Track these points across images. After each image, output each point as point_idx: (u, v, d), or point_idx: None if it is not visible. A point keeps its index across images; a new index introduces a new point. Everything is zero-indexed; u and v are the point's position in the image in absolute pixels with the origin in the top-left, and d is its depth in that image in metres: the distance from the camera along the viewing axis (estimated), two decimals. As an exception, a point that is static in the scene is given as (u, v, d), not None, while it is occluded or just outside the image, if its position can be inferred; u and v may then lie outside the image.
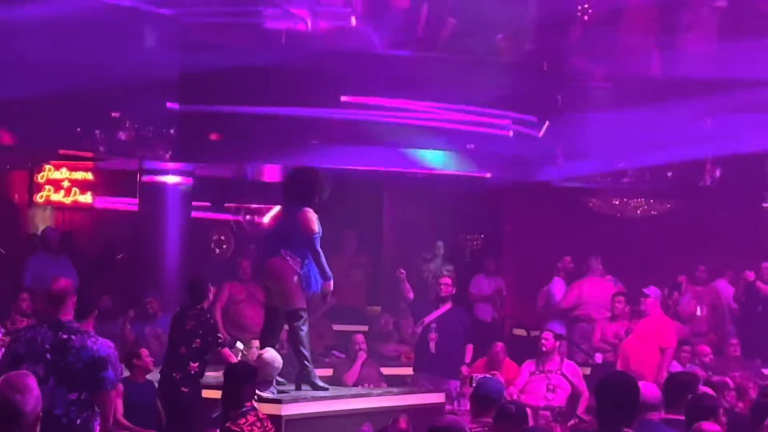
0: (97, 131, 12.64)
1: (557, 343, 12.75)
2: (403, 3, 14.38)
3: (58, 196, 15.80)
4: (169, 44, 12.86)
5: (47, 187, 15.77)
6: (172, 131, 13.33)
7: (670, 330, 12.88)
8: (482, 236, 17.93)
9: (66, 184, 15.81)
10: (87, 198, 15.94)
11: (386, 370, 13.06)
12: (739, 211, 15.97)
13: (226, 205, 16.85)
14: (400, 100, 13.84)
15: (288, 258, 10.04)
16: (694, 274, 15.24)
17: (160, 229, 13.86)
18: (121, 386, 9.13)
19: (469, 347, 12.77)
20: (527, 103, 14.69)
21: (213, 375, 10.05)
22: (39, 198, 15.79)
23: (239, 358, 10.02)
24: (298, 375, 10.28)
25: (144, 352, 10.40)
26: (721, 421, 7.28)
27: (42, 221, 15.70)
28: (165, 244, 13.82)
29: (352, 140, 13.77)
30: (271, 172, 15.45)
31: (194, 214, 14.53)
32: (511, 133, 14.52)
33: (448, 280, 13.03)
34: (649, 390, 6.61)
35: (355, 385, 12.03)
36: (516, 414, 7.05)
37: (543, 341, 12.48)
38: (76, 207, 15.97)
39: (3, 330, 11.05)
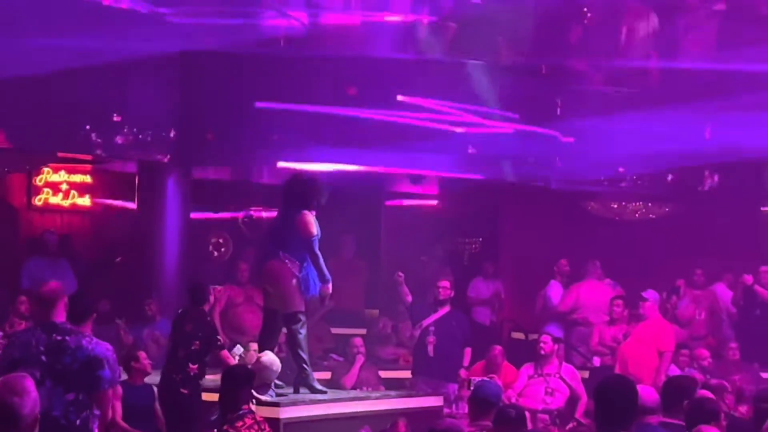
0: (95, 134, 12.64)
1: (556, 347, 12.76)
2: (404, 7, 14.41)
3: (56, 199, 15.77)
4: (168, 46, 12.85)
5: (45, 189, 15.74)
6: (170, 134, 13.33)
7: (669, 333, 12.87)
8: (480, 239, 17.93)
9: (64, 186, 15.78)
10: (85, 201, 15.92)
11: (384, 374, 13.07)
12: (737, 215, 15.98)
13: (225, 208, 16.85)
14: (399, 101, 13.85)
15: (286, 261, 10.05)
16: (692, 278, 15.24)
17: (159, 231, 13.85)
18: (120, 389, 9.13)
19: (468, 350, 12.77)
20: (525, 106, 14.69)
21: (211, 378, 10.05)
22: (37, 201, 15.76)
23: (237, 360, 10.02)
24: (297, 378, 10.28)
25: (142, 354, 10.39)
26: (722, 425, 7.27)
27: (40, 224, 15.69)
28: (164, 247, 13.81)
29: (351, 141, 13.78)
30: (270, 174, 15.46)
31: (193, 215, 14.51)
32: (509, 136, 14.52)
33: (447, 283, 13.02)
34: (648, 393, 6.60)
35: (354, 388, 12.03)
36: (515, 418, 7.05)
37: (541, 344, 12.49)
38: (75, 210, 15.95)
39: (1, 333, 11.06)
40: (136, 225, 14.50)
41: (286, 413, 9.61)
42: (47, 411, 6.09)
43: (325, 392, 10.39)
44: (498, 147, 14.52)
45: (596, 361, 13.86)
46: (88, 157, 14.45)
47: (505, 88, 14.21)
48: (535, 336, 13.52)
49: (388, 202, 17.44)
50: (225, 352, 10.00)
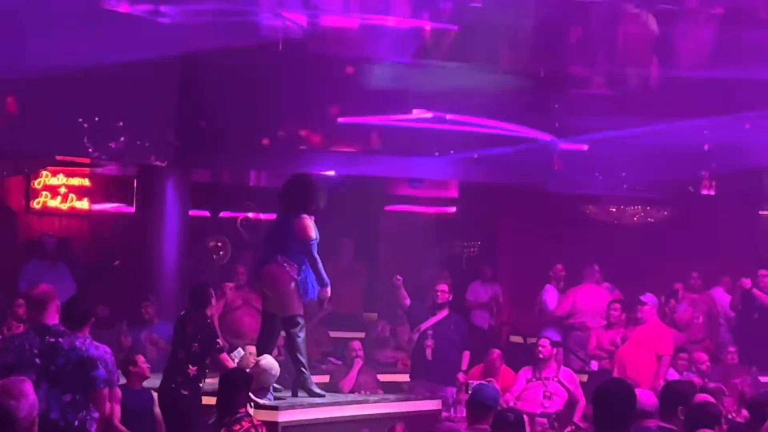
0: (94, 137, 12.64)
1: (554, 350, 12.77)
2: (404, 10, 14.42)
3: (54, 202, 15.77)
4: (168, 49, 12.85)
5: (44, 193, 15.74)
6: (169, 137, 13.33)
7: (667, 337, 12.86)
8: (479, 243, 17.93)
9: (63, 190, 15.78)
10: (84, 204, 15.92)
11: (383, 377, 13.07)
12: (736, 218, 15.97)
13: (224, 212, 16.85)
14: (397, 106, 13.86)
15: (285, 264, 10.05)
16: (689, 282, 15.23)
17: (157, 235, 13.85)
18: (119, 392, 9.12)
19: (466, 354, 12.77)
20: (524, 110, 14.69)
21: (209, 381, 10.05)
22: (36, 204, 15.76)
23: (236, 364, 10.02)
24: (295, 381, 10.28)
25: (140, 358, 10.38)
26: (723, 429, 7.26)
27: (38, 227, 15.68)
28: (162, 250, 13.81)
29: (350, 146, 13.79)
30: (269, 178, 15.46)
31: (192, 213, 14.50)
32: (508, 140, 14.53)
33: (445, 287, 13.03)
34: (646, 397, 6.59)
35: (352, 391, 12.03)
36: (514, 421, 7.04)
37: (540, 348, 12.49)
38: (73, 213, 15.95)
39: (0, 336, 11.05)
40: (135, 228, 14.50)
41: (285, 417, 9.61)
42: (45, 413, 6.10)
43: (324, 396, 10.39)
44: (496, 151, 14.52)
45: (594, 365, 13.86)
46: (87, 161, 14.45)
47: (503, 91, 14.20)
48: (533, 340, 13.52)
49: (388, 207, 17.45)
50: (224, 355, 10.01)
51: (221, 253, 16.52)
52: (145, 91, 12.86)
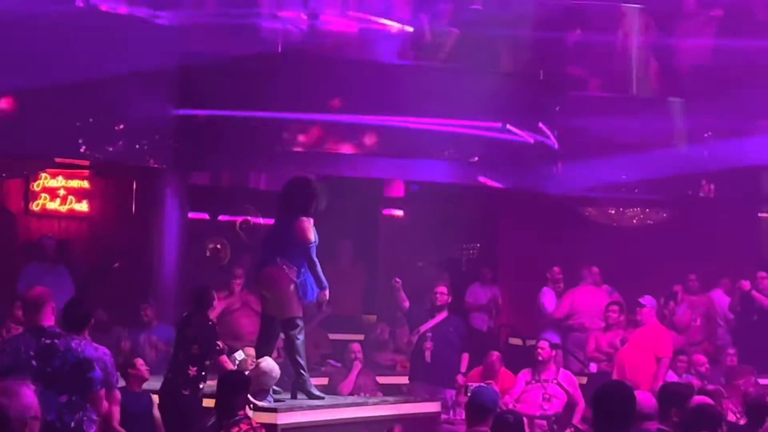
0: (93, 139, 12.63)
1: (553, 353, 12.77)
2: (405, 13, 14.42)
3: (54, 205, 15.76)
4: (166, 51, 12.85)
5: (43, 195, 15.73)
6: (168, 140, 13.33)
7: (667, 339, 12.86)
8: (478, 245, 17.92)
9: (62, 192, 15.77)
10: (83, 206, 15.91)
11: (382, 379, 13.05)
12: (735, 220, 15.98)
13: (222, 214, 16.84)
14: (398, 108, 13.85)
15: (284, 267, 10.05)
16: (687, 284, 15.23)
17: (157, 237, 13.84)
18: (118, 394, 9.12)
19: (465, 356, 12.77)
20: (524, 112, 14.70)
21: (209, 383, 10.05)
22: (35, 206, 15.75)
23: (236, 366, 10.03)
24: (294, 384, 10.28)
25: (139, 361, 10.40)
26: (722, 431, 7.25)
27: (38, 229, 15.68)
28: (161, 252, 13.80)
29: (349, 148, 13.79)
30: (268, 181, 15.45)
31: (191, 215, 14.51)
32: (507, 142, 14.53)
33: (444, 289, 13.02)
34: (646, 399, 6.58)
35: (351, 394, 12.02)
36: (513, 423, 7.04)
37: (539, 350, 12.49)
38: (72, 215, 15.94)
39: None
40: (134, 231, 14.48)
41: (284, 419, 9.61)
42: (42, 415, 6.09)
43: (323, 398, 10.39)
44: (496, 153, 14.52)
45: (593, 368, 13.85)
46: (86, 163, 14.44)
47: (502, 94, 14.21)
48: (532, 342, 13.52)
49: (386, 210, 17.45)
50: (224, 357, 10.02)
51: (220, 255, 16.52)
52: (144, 94, 12.85)
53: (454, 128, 14.05)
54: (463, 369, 12.66)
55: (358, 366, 12.45)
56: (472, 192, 15.39)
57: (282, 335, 10.38)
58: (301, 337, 10.15)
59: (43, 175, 15.61)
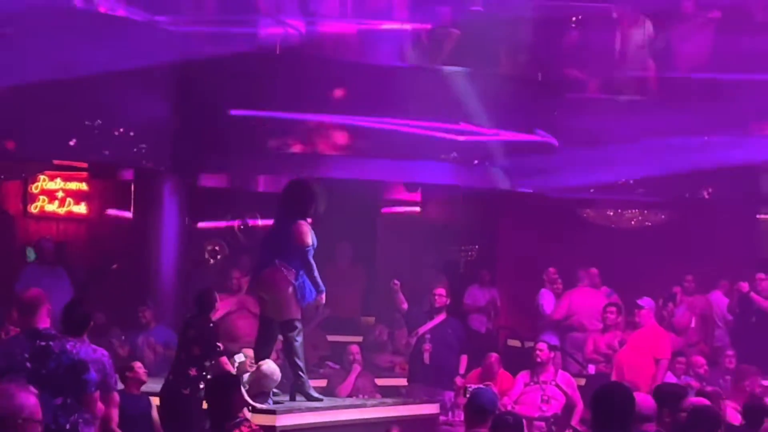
0: (92, 141, 12.63)
1: (552, 354, 12.77)
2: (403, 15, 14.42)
3: (52, 207, 15.78)
4: (165, 54, 12.85)
5: (41, 197, 15.75)
6: (167, 142, 13.32)
7: (665, 341, 12.87)
8: (477, 247, 17.92)
9: (60, 194, 15.79)
10: (81, 209, 15.92)
11: (380, 381, 13.05)
12: (733, 222, 15.98)
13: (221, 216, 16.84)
14: (395, 110, 13.84)
15: (283, 269, 10.05)
16: (684, 285, 15.23)
17: (155, 239, 13.84)
18: (117, 396, 9.11)
19: (464, 358, 12.77)
20: (522, 114, 14.70)
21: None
22: (33, 208, 15.76)
23: (236, 368, 10.04)
24: (293, 385, 10.28)
25: (136, 364, 10.42)
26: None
27: (36, 231, 15.68)
28: (160, 254, 13.80)
29: (348, 150, 13.79)
30: (267, 183, 15.44)
31: (189, 223, 14.50)
32: (506, 144, 14.53)
33: (443, 291, 13.02)
34: (645, 401, 6.58)
35: (350, 395, 12.03)
36: (513, 424, 7.04)
37: (538, 352, 12.48)
38: (71, 217, 15.95)
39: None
40: (132, 233, 14.48)
41: (283, 421, 9.61)
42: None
43: (322, 400, 10.39)
44: (494, 155, 14.52)
45: (591, 369, 13.85)
46: (84, 165, 14.44)
47: (501, 96, 14.21)
48: (531, 343, 13.52)
49: (385, 210, 17.45)
50: (224, 359, 10.02)
51: (219, 257, 16.51)
52: (142, 96, 12.85)
53: (452, 130, 14.05)
54: (462, 371, 12.66)
55: (356, 368, 12.45)
56: (470, 194, 15.39)
57: (281, 337, 10.38)
58: (299, 339, 10.15)
59: (42, 177, 15.62)
